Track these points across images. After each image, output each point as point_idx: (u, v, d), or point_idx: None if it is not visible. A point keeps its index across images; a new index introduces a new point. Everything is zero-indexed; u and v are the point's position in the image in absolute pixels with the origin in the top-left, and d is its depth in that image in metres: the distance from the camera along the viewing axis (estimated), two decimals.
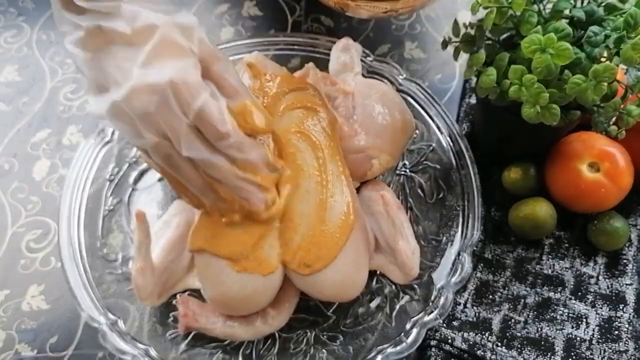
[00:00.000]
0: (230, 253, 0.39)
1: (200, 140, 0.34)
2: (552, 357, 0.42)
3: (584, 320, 0.44)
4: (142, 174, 0.50)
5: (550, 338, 0.43)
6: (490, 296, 0.46)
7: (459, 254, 0.44)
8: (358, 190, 0.45)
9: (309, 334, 0.43)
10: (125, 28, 0.32)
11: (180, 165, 0.35)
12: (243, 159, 0.36)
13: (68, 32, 0.33)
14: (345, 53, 0.49)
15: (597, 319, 0.44)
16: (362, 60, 0.51)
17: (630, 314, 0.44)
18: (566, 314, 0.45)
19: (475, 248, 0.45)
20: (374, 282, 0.44)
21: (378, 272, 0.45)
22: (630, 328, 0.43)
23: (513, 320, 0.44)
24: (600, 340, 0.43)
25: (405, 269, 0.42)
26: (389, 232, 0.42)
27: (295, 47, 0.54)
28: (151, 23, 0.32)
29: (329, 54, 0.51)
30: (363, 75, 0.50)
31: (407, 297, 0.43)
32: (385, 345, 0.41)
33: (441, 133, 0.50)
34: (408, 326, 0.41)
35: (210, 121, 0.33)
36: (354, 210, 0.41)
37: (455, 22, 0.45)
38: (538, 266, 0.47)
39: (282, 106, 0.43)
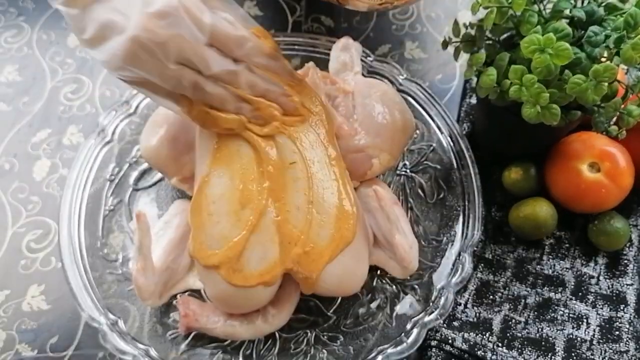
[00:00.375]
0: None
1: (221, 55, 0.35)
2: (553, 357, 0.42)
3: (585, 320, 0.44)
4: (142, 174, 0.50)
5: (550, 338, 0.43)
6: (491, 296, 0.46)
7: (459, 254, 0.44)
8: (356, 188, 0.45)
9: (309, 334, 0.43)
10: None
11: (209, 90, 0.36)
12: (264, 64, 0.37)
13: None
14: (345, 52, 0.49)
15: (598, 319, 0.44)
16: (362, 60, 0.51)
17: (630, 314, 0.44)
18: (567, 314, 0.44)
19: (475, 248, 0.45)
20: (375, 282, 0.44)
21: (378, 272, 0.45)
22: (631, 328, 0.43)
23: (513, 321, 0.44)
24: (600, 341, 0.43)
25: (403, 263, 0.41)
26: (385, 226, 0.42)
27: (296, 47, 0.54)
28: None
29: (329, 54, 0.51)
30: (363, 74, 0.50)
31: (407, 298, 0.43)
32: (386, 346, 0.41)
33: (442, 133, 0.50)
34: (408, 326, 0.41)
35: (225, 31, 0.34)
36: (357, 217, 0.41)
37: (456, 22, 0.45)
38: (538, 266, 0.47)
39: None
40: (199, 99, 0.37)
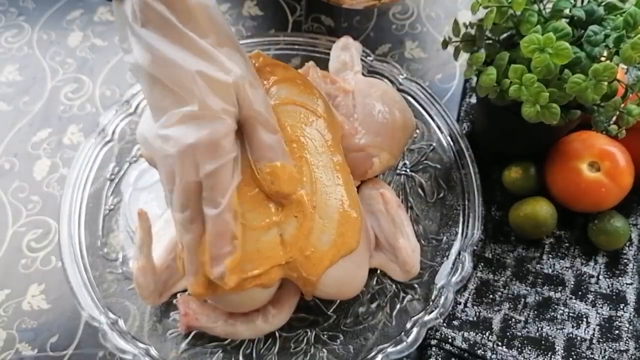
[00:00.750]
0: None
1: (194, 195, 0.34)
2: (553, 356, 0.42)
3: (585, 319, 0.44)
4: (142, 174, 0.50)
5: (550, 337, 0.43)
6: (491, 295, 0.46)
7: (459, 254, 0.44)
8: (358, 189, 0.45)
9: (309, 333, 0.43)
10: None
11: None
12: (211, 233, 0.35)
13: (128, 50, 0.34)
14: (345, 52, 0.49)
15: (598, 318, 0.44)
16: (362, 60, 0.51)
17: (630, 314, 0.44)
18: (567, 313, 0.45)
19: (475, 247, 0.45)
20: (375, 282, 0.44)
21: (378, 272, 0.45)
22: (631, 327, 0.43)
23: (513, 320, 0.44)
24: (600, 340, 0.43)
25: (405, 267, 0.42)
26: (389, 230, 0.42)
27: (296, 46, 0.55)
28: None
29: (329, 54, 0.51)
30: (363, 74, 0.50)
31: (407, 297, 0.43)
32: (386, 345, 0.40)
33: (441, 132, 0.50)
34: (408, 325, 0.41)
35: (215, 186, 0.33)
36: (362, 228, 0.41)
37: (456, 22, 0.45)
38: (538, 265, 0.47)
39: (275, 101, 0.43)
40: None
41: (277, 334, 0.43)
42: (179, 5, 0.32)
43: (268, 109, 0.37)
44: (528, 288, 0.46)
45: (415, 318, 0.41)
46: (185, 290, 0.44)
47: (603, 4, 0.40)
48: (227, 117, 0.34)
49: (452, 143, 0.49)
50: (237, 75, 0.34)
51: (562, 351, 0.43)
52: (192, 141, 0.32)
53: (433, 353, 0.43)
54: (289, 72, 0.44)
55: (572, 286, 0.46)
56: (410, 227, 0.44)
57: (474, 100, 0.55)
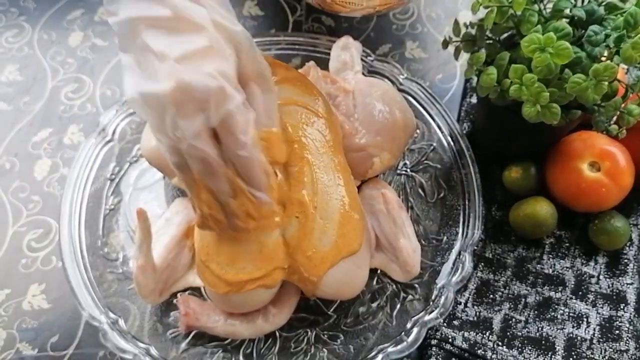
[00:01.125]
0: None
1: (212, 141, 0.33)
2: (553, 356, 0.42)
3: (585, 319, 0.44)
4: (143, 173, 0.50)
5: (551, 337, 0.43)
6: (491, 295, 0.46)
7: (459, 254, 0.44)
8: (359, 188, 0.45)
9: (309, 333, 0.43)
10: (169, 13, 0.32)
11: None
12: (247, 176, 0.35)
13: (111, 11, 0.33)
14: (345, 51, 0.49)
15: (598, 318, 0.44)
16: (363, 60, 0.51)
17: (631, 314, 0.44)
18: (567, 313, 0.44)
19: (475, 247, 0.45)
20: (375, 282, 0.44)
21: (379, 271, 0.45)
22: (631, 327, 0.43)
23: (514, 320, 0.44)
24: (601, 340, 0.43)
25: (406, 267, 0.42)
26: (390, 230, 0.42)
27: (296, 46, 0.55)
28: (200, 23, 0.32)
29: (329, 54, 0.51)
30: (363, 74, 0.50)
31: (408, 297, 0.43)
32: (386, 345, 0.40)
33: (442, 132, 0.50)
34: (409, 325, 0.41)
35: (233, 128, 0.33)
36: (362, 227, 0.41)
37: (456, 22, 0.45)
38: (539, 265, 0.47)
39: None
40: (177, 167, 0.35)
41: (277, 334, 0.43)
42: None
43: (267, 69, 0.36)
44: (528, 288, 0.46)
45: (415, 318, 0.41)
46: (185, 290, 0.44)
47: (603, 3, 0.40)
48: (233, 60, 0.33)
49: (452, 143, 0.49)
50: (242, 30, 0.34)
51: (563, 351, 0.43)
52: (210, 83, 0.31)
53: (433, 353, 0.43)
54: (289, 72, 0.44)
55: (572, 286, 0.46)
56: (411, 227, 0.44)
57: (474, 100, 0.55)
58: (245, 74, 0.34)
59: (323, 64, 0.50)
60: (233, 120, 0.33)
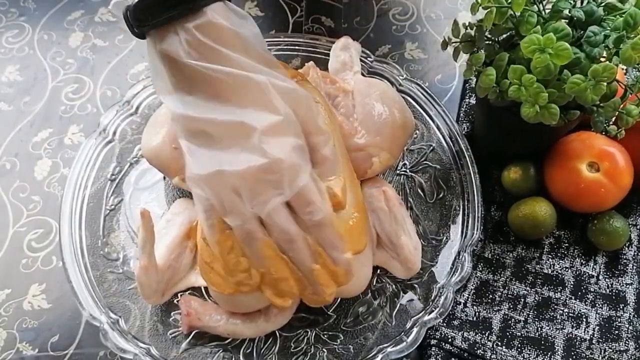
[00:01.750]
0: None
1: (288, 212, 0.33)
2: (552, 356, 0.43)
3: (584, 319, 0.44)
4: (143, 174, 0.50)
5: (550, 337, 0.43)
6: (490, 295, 0.46)
7: (459, 254, 0.44)
8: None
9: (309, 333, 0.43)
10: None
11: (255, 243, 0.34)
12: (321, 238, 0.35)
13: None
14: (344, 52, 0.49)
15: (597, 318, 0.44)
16: (362, 61, 0.52)
17: (630, 314, 0.44)
18: (566, 313, 0.45)
19: (475, 247, 0.45)
20: (375, 281, 0.45)
21: (379, 271, 0.45)
22: (631, 328, 0.44)
23: (513, 320, 0.44)
24: (600, 340, 0.43)
25: (407, 264, 0.42)
26: (390, 227, 0.42)
27: (296, 47, 0.55)
28: (264, 91, 0.32)
29: (329, 54, 0.51)
30: (363, 74, 0.50)
31: (407, 296, 0.43)
32: (386, 345, 0.41)
33: (441, 133, 0.50)
34: (408, 325, 0.41)
35: (309, 198, 0.32)
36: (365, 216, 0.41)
37: (455, 23, 0.45)
38: (538, 266, 0.47)
39: None
40: (241, 238, 0.34)
41: (277, 334, 0.43)
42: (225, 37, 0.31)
43: (317, 114, 0.35)
44: (528, 288, 0.46)
45: (415, 318, 0.42)
46: (187, 290, 0.44)
47: (603, 4, 0.41)
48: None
49: (451, 143, 0.49)
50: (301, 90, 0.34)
51: (562, 351, 0.43)
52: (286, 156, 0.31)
53: (433, 353, 0.43)
54: (288, 73, 0.44)
55: (571, 286, 0.46)
56: (411, 224, 0.44)
57: (473, 100, 0.55)
58: (305, 129, 0.34)
59: (323, 64, 0.50)
60: (308, 192, 0.32)
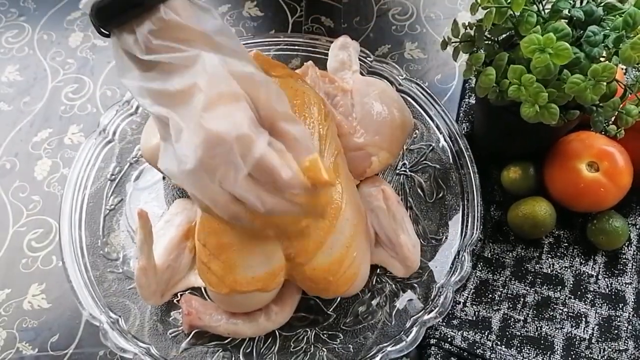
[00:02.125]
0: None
1: (260, 187, 0.32)
2: (552, 355, 0.43)
3: (584, 319, 0.44)
4: (143, 174, 0.50)
5: (549, 337, 0.44)
6: (490, 295, 0.46)
7: (458, 253, 0.44)
8: (357, 186, 0.45)
9: (309, 332, 0.43)
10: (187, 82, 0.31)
11: (244, 221, 0.34)
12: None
13: (130, 76, 0.33)
14: (343, 51, 0.50)
15: (597, 318, 0.44)
16: (362, 61, 0.52)
17: (629, 313, 0.44)
18: (565, 313, 0.45)
19: (474, 247, 0.45)
20: (374, 281, 0.45)
21: (378, 271, 0.45)
22: (630, 327, 0.44)
23: (512, 319, 0.45)
24: (599, 339, 0.43)
25: (407, 262, 0.42)
26: (389, 226, 0.42)
27: (296, 47, 0.55)
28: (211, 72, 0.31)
29: (329, 54, 0.51)
30: (362, 74, 0.50)
31: (407, 296, 0.43)
32: (386, 344, 0.41)
33: (441, 133, 0.50)
34: (408, 325, 0.41)
35: (271, 170, 0.32)
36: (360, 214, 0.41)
37: (455, 23, 0.45)
38: (537, 265, 0.47)
39: None
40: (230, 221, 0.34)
41: (277, 333, 0.43)
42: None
43: (284, 101, 0.35)
44: (527, 288, 0.46)
45: (414, 317, 0.42)
46: (187, 290, 0.44)
47: (602, 4, 0.41)
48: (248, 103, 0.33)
49: (451, 143, 0.49)
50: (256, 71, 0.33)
51: (561, 350, 0.43)
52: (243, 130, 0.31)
53: (432, 352, 0.43)
54: (285, 71, 0.44)
55: (571, 286, 0.46)
56: (410, 222, 0.44)
57: (473, 100, 0.55)
58: (269, 115, 0.33)
59: (322, 64, 0.50)
60: (268, 164, 0.32)
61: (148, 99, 0.32)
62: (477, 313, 0.45)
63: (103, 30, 0.32)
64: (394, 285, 0.44)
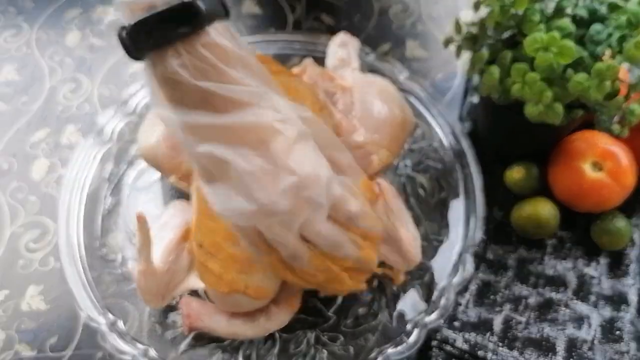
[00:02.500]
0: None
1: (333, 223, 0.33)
2: (554, 357, 0.42)
3: (586, 320, 0.44)
4: (141, 174, 0.50)
5: (551, 338, 0.43)
6: (492, 296, 0.45)
7: (460, 254, 0.44)
8: None
9: (309, 334, 0.42)
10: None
11: (304, 259, 0.34)
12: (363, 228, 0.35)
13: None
14: (342, 48, 0.49)
15: (599, 319, 0.44)
16: (363, 60, 0.51)
17: (632, 315, 0.44)
18: (568, 314, 0.44)
19: (477, 248, 0.45)
20: (375, 282, 0.44)
21: (378, 272, 0.44)
22: (633, 328, 0.43)
23: (514, 321, 0.44)
24: (602, 341, 0.43)
25: (408, 256, 0.41)
26: (388, 220, 0.42)
27: (296, 45, 0.54)
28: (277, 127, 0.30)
29: None
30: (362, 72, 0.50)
31: (408, 298, 0.43)
32: (386, 346, 0.40)
33: (443, 132, 0.50)
34: (409, 327, 0.41)
35: (346, 207, 0.32)
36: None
37: (457, 21, 0.45)
38: (540, 266, 0.47)
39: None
40: (288, 261, 0.34)
41: (277, 335, 0.42)
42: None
43: (332, 131, 0.35)
44: (529, 289, 0.46)
45: (416, 319, 0.41)
46: (187, 292, 0.44)
47: (606, 2, 0.40)
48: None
49: (453, 143, 0.49)
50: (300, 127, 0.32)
51: (564, 352, 0.43)
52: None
53: (434, 354, 0.43)
54: (276, 67, 0.44)
55: (573, 287, 0.46)
56: (409, 216, 0.43)
57: (475, 99, 0.55)
58: (322, 145, 0.33)
59: (322, 63, 0.50)
60: (343, 199, 0.32)
61: (193, 135, 0.30)
62: (479, 315, 0.45)
63: (134, 53, 0.29)
64: (394, 287, 0.44)
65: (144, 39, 0.28)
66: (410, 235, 0.42)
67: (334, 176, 0.33)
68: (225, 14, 0.30)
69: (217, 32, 0.29)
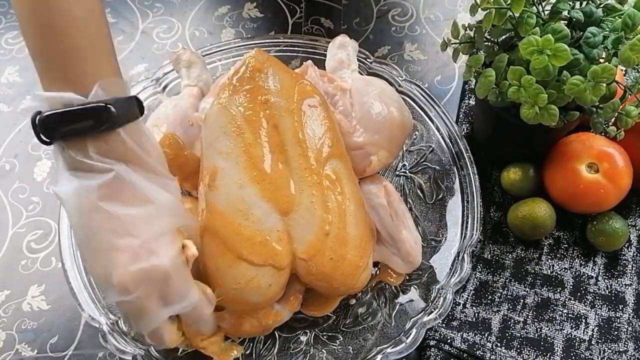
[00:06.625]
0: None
1: None
2: (552, 357, 0.43)
3: (583, 320, 0.44)
4: None
5: (549, 338, 0.43)
6: (490, 296, 0.46)
7: (458, 255, 0.44)
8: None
9: (308, 333, 0.43)
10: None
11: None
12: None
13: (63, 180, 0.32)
14: (341, 50, 0.49)
15: (597, 319, 0.44)
16: (361, 62, 0.51)
17: (629, 315, 0.44)
18: (565, 314, 0.45)
19: (474, 248, 0.45)
20: (374, 282, 0.45)
21: (378, 271, 0.45)
22: (630, 328, 0.44)
23: (512, 321, 0.44)
24: (599, 341, 0.43)
25: (409, 259, 0.42)
26: (391, 223, 0.42)
27: (296, 48, 0.55)
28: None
29: None
30: (360, 73, 0.50)
31: (407, 297, 0.43)
32: (385, 345, 0.40)
33: (441, 134, 0.50)
34: (408, 326, 0.41)
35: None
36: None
37: (455, 24, 0.45)
38: (537, 266, 0.47)
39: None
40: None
41: (276, 335, 0.43)
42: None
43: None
44: (527, 289, 0.46)
45: (414, 319, 0.41)
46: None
47: (602, 5, 0.41)
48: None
49: (451, 144, 0.49)
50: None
51: (561, 352, 0.43)
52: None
53: (432, 354, 0.43)
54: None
55: (571, 287, 0.46)
56: (411, 219, 0.44)
57: (473, 102, 0.55)
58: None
59: (322, 65, 0.50)
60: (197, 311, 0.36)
61: (92, 193, 0.32)
62: (477, 314, 0.45)
63: (43, 138, 0.31)
64: (393, 287, 0.44)
65: (54, 128, 0.31)
66: (412, 238, 0.42)
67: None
68: (138, 116, 0.34)
69: (126, 132, 0.32)
